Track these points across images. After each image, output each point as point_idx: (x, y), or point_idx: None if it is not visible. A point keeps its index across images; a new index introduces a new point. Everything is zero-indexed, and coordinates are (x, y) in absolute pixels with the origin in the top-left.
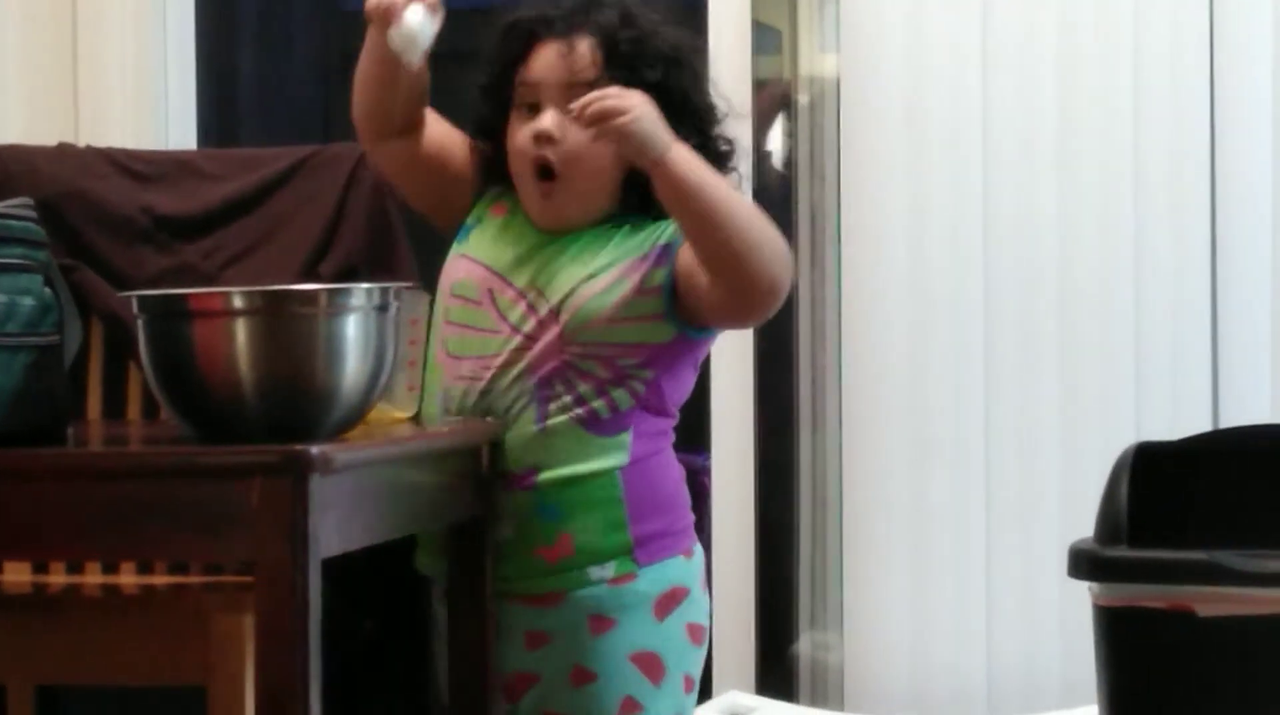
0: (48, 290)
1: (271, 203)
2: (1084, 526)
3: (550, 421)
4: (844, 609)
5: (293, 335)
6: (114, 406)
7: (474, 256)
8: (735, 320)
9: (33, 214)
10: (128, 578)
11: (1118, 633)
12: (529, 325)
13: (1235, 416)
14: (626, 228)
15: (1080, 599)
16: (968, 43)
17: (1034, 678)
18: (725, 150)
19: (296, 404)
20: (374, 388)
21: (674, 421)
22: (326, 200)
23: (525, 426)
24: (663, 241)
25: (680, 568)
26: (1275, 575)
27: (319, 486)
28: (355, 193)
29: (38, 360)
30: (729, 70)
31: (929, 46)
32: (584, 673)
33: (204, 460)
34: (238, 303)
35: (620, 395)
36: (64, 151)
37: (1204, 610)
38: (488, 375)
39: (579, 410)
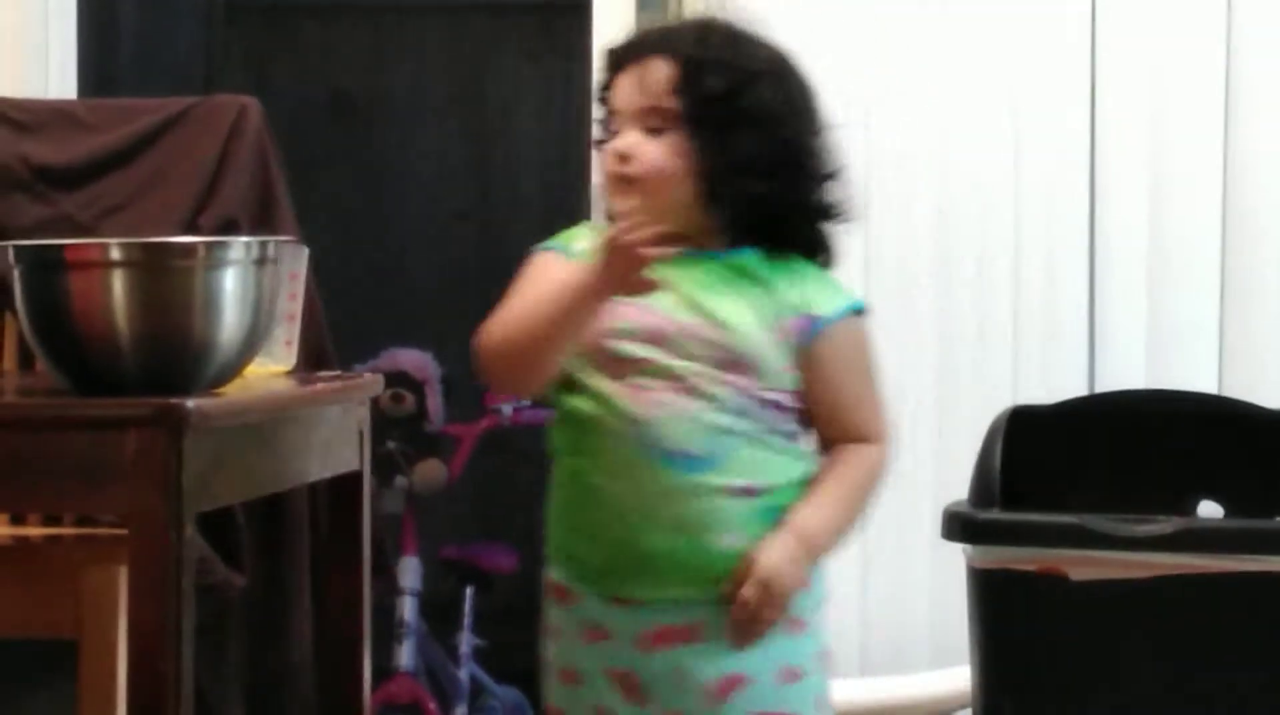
0: None
1: (151, 154)
2: (959, 489)
3: (762, 440)
4: None
5: (170, 288)
6: None
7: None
8: None
9: None
10: (0, 528)
11: (990, 595)
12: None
13: (1110, 382)
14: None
15: (954, 561)
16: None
17: (906, 638)
18: (821, 201)
19: (173, 357)
20: (252, 342)
21: None
22: (207, 153)
23: (744, 444)
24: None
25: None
26: (1145, 539)
27: (194, 440)
28: (236, 146)
29: None
30: (612, 29)
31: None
32: (792, 671)
33: (78, 412)
34: (115, 254)
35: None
36: None
37: (1075, 573)
38: (696, 401)
39: (781, 428)
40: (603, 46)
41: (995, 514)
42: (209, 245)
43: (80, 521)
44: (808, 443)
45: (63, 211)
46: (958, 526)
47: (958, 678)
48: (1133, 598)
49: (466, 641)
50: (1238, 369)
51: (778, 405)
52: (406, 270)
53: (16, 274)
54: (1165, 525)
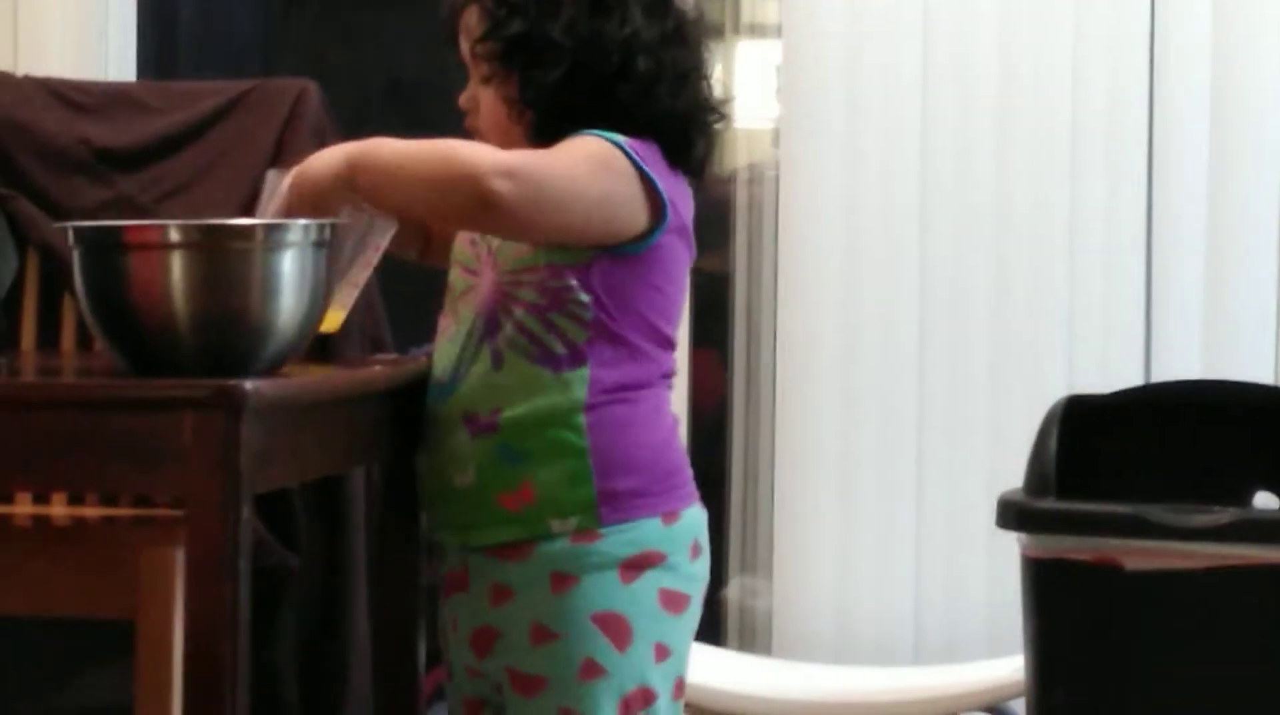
0: None
1: (211, 137)
2: (1013, 478)
3: (504, 357)
4: (774, 556)
5: (229, 270)
6: (48, 338)
7: None
8: (504, 232)
9: None
10: (58, 509)
11: (1044, 584)
12: (475, 263)
13: (1166, 372)
14: None
15: (1008, 550)
16: None
17: (960, 627)
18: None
19: (231, 339)
20: (309, 324)
21: (659, 368)
22: (266, 135)
23: (483, 365)
24: None
25: (655, 531)
26: (1201, 529)
27: (251, 422)
28: (294, 128)
29: None
30: None
31: None
32: (543, 631)
33: (137, 393)
34: (174, 236)
35: (567, 324)
36: (2, 81)
37: (1130, 563)
38: (451, 326)
39: (528, 343)
40: None
41: (1050, 503)
42: (267, 228)
43: (137, 502)
44: (580, 367)
45: (123, 193)
46: (1012, 515)
47: (1012, 667)
48: (1187, 588)
49: None
50: None
51: (532, 307)
52: None
53: (76, 255)
54: (1221, 516)
